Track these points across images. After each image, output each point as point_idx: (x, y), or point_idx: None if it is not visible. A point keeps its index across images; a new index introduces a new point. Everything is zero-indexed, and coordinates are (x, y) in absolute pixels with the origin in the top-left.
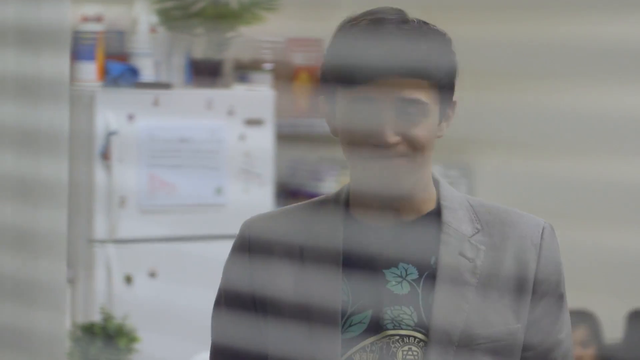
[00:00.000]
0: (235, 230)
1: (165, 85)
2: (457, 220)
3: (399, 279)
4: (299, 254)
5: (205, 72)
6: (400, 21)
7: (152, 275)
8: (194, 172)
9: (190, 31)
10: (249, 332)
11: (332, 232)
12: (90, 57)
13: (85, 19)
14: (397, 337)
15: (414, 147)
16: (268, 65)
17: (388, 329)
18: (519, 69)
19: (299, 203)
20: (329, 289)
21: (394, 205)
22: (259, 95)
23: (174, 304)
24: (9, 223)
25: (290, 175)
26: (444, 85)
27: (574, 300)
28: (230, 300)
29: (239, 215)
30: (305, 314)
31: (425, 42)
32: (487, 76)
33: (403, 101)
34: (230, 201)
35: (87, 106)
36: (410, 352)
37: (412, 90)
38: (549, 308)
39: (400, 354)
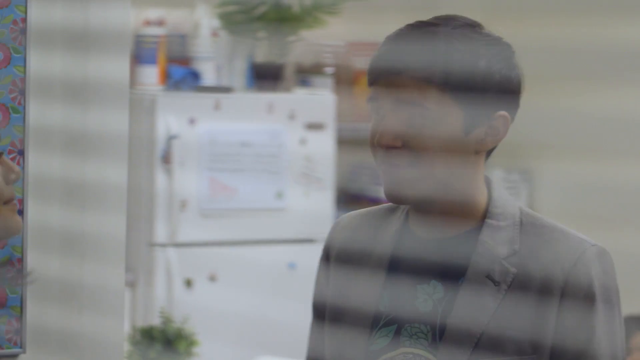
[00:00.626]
0: (296, 234)
1: (227, 89)
2: (494, 239)
3: (426, 297)
4: (359, 260)
5: (266, 76)
6: (435, 25)
7: (212, 279)
8: (255, 176)
9: (252, 35)
10: (316, 339)
11: (386, 241)
12: (152, 61)
13: (148, 23)
14: (411, 356)
15: (414, 151)
16: (329, 69)
17: (405, 346)
18: (582, 73)
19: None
20: (367, 299)
21: (429, 216)
22: (319, 100)
23: (233, 308)
24: (68, 227)
25: (350, 180)
26: (458, 91)
27: (633, 305)
28: (315, 308)
29: (299, 219)
30: (342, 320)
31: (441, 47)
32: (550, 80)
33: (403, 103)
34: (290, 205)
35: (149, 110)
36: None
37: (413, 92)
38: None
39: None
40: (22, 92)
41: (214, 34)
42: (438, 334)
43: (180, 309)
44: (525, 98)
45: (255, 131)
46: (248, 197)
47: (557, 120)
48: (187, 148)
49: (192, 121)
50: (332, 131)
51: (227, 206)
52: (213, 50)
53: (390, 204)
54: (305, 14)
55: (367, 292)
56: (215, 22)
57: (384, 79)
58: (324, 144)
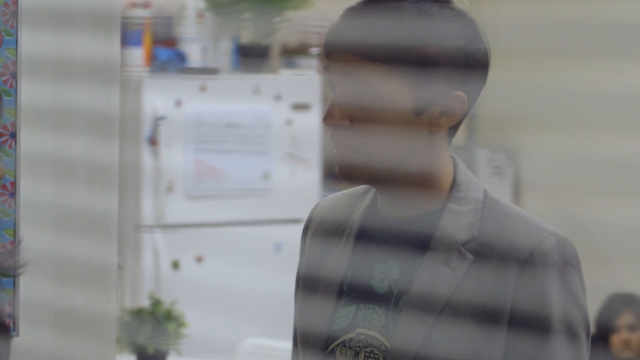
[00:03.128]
0: (283, 214)
1: (213, 71)
2: (454, 224)
3: (383, 277)
4: (330, 240)
5: (252, 57)
6: (392, 0)
7: (199, 260)
8: (241, 157)
9: (238, 16)
10: (296, 309)
11: (354, 220)
12: (137, 42)
13: (133, 5)
14: (363, 337)
15: (362, 130)
16: (315, 50)
17: (359, 327)
18: (563, 48)
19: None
20: (333, 279)
21: (391, 195)
22: (305, 80)
23: (220, 289)
24: (60, 206)
25: None
26: (407, 69)
27: (620, 283)
28: (295, 281)
29: (286, 199)
30: (311, 300)
31: (390, 22)
32: (530, 55)
33: (349, 79)
34: (277, 186)
35: (135, 91)
36: (372, 355)
37: (359, 69)
38: (529, 349)
39: (362, 354)
40: (14, 75)
41: (200, 15)
42: (391, 316)
43: (168, 290)
44: (509, 75)
45: (242, 112)
46: (235, 178)
47: (542, 96)
48: (173, 130)
49: (178, 103)
50: (318, 112)
51: (214, 187)
52: (199, 32)
53: (363, 186)
54: None
55: (334, 270)
56: (201, 4)
57: (334, 54)
58: (310, 125)
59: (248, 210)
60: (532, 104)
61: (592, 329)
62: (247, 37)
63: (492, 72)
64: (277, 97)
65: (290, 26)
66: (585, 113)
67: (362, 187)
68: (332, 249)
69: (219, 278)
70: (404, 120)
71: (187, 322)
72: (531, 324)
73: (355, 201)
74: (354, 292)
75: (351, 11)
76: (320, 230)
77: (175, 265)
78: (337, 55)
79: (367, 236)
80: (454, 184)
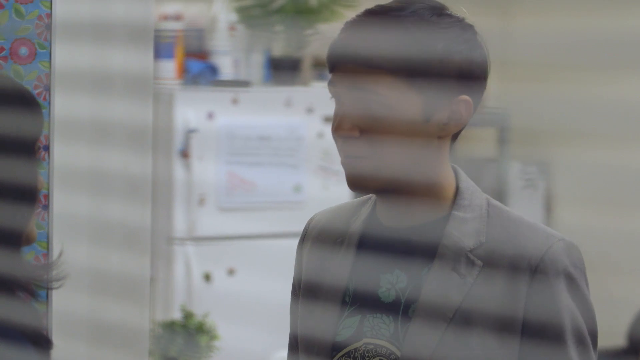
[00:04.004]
0: None
1: (244, 83)
2: (460, 231)
3: (389, 286)
4: (332, 247)
5: (284, 69)
6: (393, 10)
7: (231, 272)
8: (273, 170)
9: (269, 29)
10: (295, 318)
11: (354, 231)
12: (169, 55)
13: (165, 17)
14: (372, 346)
15: (373, 140)
16: None
17: (367, 337)
18: (595, 61)
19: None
20: (333, 290)
21: (394, 204)
22: None
23: (252, 301)
24: (94, 219)
25: None
26: (414, 77)
27: None
28: (291, 290)
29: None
30: (314, 308)
31: (395, 32)
32: (562, 68)
33: (357, 90)
34: (308, 198)
35: (167, 104)
36: None
37: (367, 79)
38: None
39: None
40: (47, 88)
41: (232, 28)
42: (400, 325)
43: (200, 303)
44: (541, 87)
45: (273, 125)
46: (266, 190)
47: (573, 108)
48: (205, 142)
49: (210, 115)
50: None
51: (246, 200)
52: (230, 45)
53: (362, 197)
54: (323, 7)
55: (335, 280)
56: (233, 16)
57: (339, 66)
58: None
59: (280, 222)
60: (564, 116)
61: (624, 342)
62: (278, 49)
63: (523, 85)
64: (309, 110)
65: (322, 39)
66: (617, 125)
67: (359, 199)
68: (332, 260)
69: (251, 290)
70: (413, 127)
71: (219, 335)
72: (544, 329)
73: (352, 213)
74: (359, 302)
75: (352, 24)
76: (318, 241)
77: (207, 277)
78: (343, 67)
79: (369, 246)
80: (457, 192)
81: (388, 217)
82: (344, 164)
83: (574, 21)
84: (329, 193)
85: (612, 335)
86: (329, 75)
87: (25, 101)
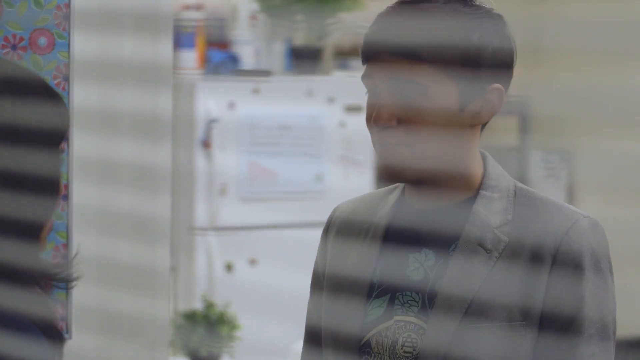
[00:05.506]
0: None
1: (266, 73)
2: (487, 209)
3: (418, 265)
4: (356, 237)
5: (305, 59)
6: (425, 1)
7: (252, 262)
8: (294, 160)
9: (291, 18)
10: (313, 310)
11: (382, 215)
12: (190, 45)
13: (186, 7)
14: (402, 323)
15: (411, 129)
16: None
17: (397, 315)
18: (619, 49)
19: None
20: (361, 272)
21: (425, 189)
22: (358, 82)
23: (274, 291)
24: (111, 208)
25: None
26: (451, 67)
27: None
28: (312, 280)
29: (339, 201)
30: (338, 295)
31: (432, 23)
32: (585, 56)
33: (396, 81)
34: (330, 188)
35: (188, 94)
36: (409, 339)
37: (406, 70)
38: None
39: (400, 340)
40: (66, 78)
41: (253, 17)
42: (428, 301)
43: (221, 292)
44: (564, 75)
45: (295, 114)
46: (288, 180)
47: (596, 97)
48: (226, 132)
49: (231, 105)
50: None
51: (267, 190)
52: (252, 34)
53: (388, 187)
54: None
55: (362, 265)
56: (254, 6)
57: (376, 57)
58: (363, 127)
59: (301, 212)
60: (587, 105)
61: None
62: (300, 39)
63: (546, 73)
64: (330, 99)
65: (343, 28)
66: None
67: (385, 189)
68: (358, 247)
69: (272, 280)
70: (449, 116)
71: (240, 325)
72: (564, 309)
73: (378, 201)
74: (386, 284)
75: (386, 15)
76: (343, 230)
77: (229, 267)
78: (380, 58)
79: (397, 230)
80: (485, 174)
81: (417, 200)
82: (380, 153)
83: (597, 8)
84: (350, 183)
85: (631, 326)
86: (364, 67)
87: (52, 95)
